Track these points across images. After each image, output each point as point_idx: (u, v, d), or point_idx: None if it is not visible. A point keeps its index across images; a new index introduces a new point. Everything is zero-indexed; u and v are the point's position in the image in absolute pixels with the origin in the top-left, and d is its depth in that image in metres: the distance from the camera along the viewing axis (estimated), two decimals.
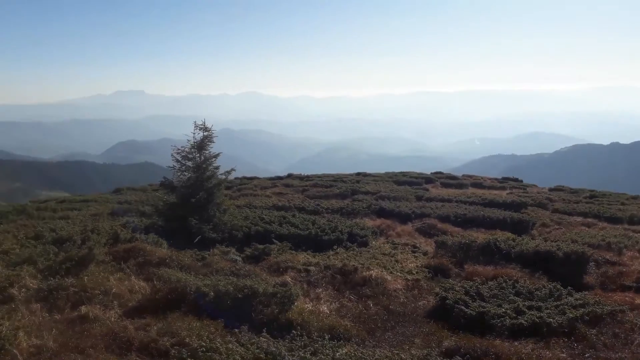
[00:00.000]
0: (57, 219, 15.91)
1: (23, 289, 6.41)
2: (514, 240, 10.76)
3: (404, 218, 16.13)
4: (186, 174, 12.37)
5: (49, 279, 6.70)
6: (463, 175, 35.60)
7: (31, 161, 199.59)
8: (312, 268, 8.83)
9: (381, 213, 16.93)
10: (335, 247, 11.14)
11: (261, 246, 10.27)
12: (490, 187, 29.02)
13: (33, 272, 6.97)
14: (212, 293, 5.92)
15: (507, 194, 24.23)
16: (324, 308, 6.80)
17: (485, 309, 6.47)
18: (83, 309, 5.77)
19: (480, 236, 11.95)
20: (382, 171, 38.27)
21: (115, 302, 6.15)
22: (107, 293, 6.34)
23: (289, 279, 8.01)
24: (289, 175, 35.27)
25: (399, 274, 9.09)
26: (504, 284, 7.70)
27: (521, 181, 34.30)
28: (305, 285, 7.91)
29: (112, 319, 5.64)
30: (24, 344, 4.83)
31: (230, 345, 4.63)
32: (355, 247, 11.23)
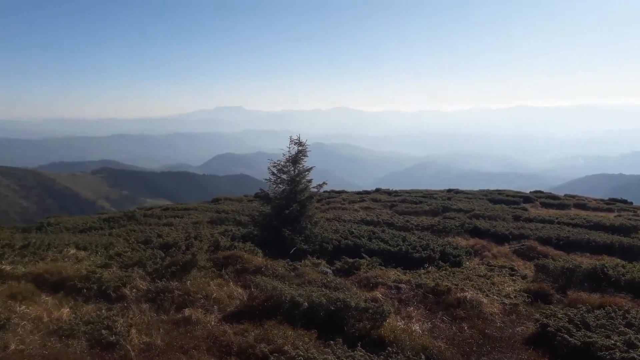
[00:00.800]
0: (162, 225, 17.12)
1: (134, 290, 6.96)
2: (624, 267, 9.83)
3: (500, 239, 15.40)
4: (281, 186, 12.78)
5: (157, 282, 7.21)
6: (565, 195, 33.23)
7: (138, 171, 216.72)
8: (403, 285, 8.70)
9: (475, 232, 16.29)
10: (426, 265, 10.88)
11: (351, 260, 10.30)
12: (595, 209, 26.84)
13: (142, 274, 7.55)
14: (306, 303, 6.04)
15: (614, 216, 22.25)
16: (416, 327, 6.65)
17: (591, 340, 5.96)
18: (187, 311, 6.14)
19: (585, 261, 11.08)
20: (475, 188, 36.92)
21: (215, 306, 6.47)
22: (208, 297, 6.69)
23: (379, 295, 7.95)
24: (377, 190, 35.14)
25: (495, 297, 8.67)
26: (612, 314, 7.05)
27: (630, 203, 31.32)
28: (396, 303, 7.81)
29: (213, 322, 5.95)
30: (136, 341, 5.24)
31: (327, 357, 4.69)
32: (447, 267, 10.89)
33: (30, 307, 6.04)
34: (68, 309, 6.12)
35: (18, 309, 5.92)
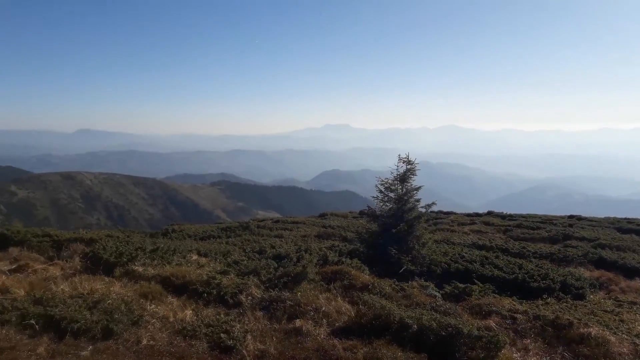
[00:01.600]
0: (273, 237, 17.90)
1: (249, 297, 7.34)
2: None
3: (630, 272, 13.91)
4: (388, 204, 12.74)
5: (270, 291, 7.54)
6: None
7: (252, 184, 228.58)
8: (518, 316, 8.17)
9: (600, 264, 14.88)
10: (544, 296, 10.13)
11: (462, 285, 9.91)
12: None
13: (257, 283, 7.94)
14: (416, 326, 5.93)
15: None
16: None
17: None
18: (297, 322, 6.35)
19: None
20: (600, 215, 33.70)
21: (324, 320, 6.61)
22: (318, 310, 6.85)
23: (492, 324, 7.55)
24: (489, 213, 33.50)
25: (625, 335, 7.80)
26: None
27: None
28: (511, 334, 7.36)
29: (322, 335, 6.08)
30: (251, 347, 5.51)
31: None
32: (569, 299, 10.05)
33: (158, 307, 6.63)
34: (191, 311, 6.63)
35: (148, 307, 6.54)
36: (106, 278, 7.82)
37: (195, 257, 10.43)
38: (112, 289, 6.99)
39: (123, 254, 9.07)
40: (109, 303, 6.11)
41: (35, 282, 7.26)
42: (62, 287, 6.86)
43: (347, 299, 7.84)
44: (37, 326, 5.37)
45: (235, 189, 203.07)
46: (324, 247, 13.14)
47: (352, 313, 7.03)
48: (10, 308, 5.65)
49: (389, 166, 12.94)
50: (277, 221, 26.35)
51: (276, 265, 8.85)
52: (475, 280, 10.51)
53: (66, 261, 9.87)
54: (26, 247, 11.35)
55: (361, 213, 29.32)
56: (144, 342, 5.45)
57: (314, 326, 6.34)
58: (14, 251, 10.77)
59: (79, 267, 9.20)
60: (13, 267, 9.11)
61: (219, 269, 8.82)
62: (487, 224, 26.18)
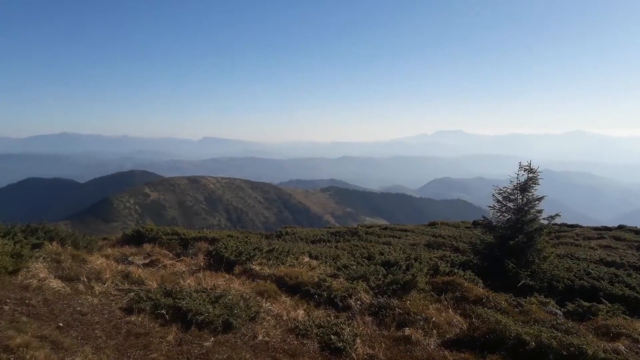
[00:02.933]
0: (381, 244, 17.87)
1: (358, 302, 7.43)
2: None
3: None
4: (506, 215, 12.10)
5: (378, 297, 7.57)
6: None
7: (361, 191, 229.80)
8: None
9: None
10: None
11: (586, 304, 9.10)
12: None
13: (366, 288, 8.01)
14: (533, 343, 5.59)
15: None
16: None
17: None
18: (407, 330, 6.30)
19: None
20: None
21: (434, 330, 6.48)
22: (427, 320, 6.73)
23: (622, 348, 6.83)
24: (620, 227, 30.22)
25: None
26: None
27: None
28: None
29: (432, 346, 5.97)
30: (360, 351, 5.59)
31: None
32: None
33: (273, 305, 6.98)
34: (303, 311, 6.88)
35: (264, 305, 6.90)
36: (227, 275, 8.40)
37: (307, 259, 10.79)
38: (232, 285, 7.50)
39: (242, 253, 9.68)
40: (229, 299, 6.56)
41: (165, 276, 8.02)
42: (188, 281, 7.51)
43: (458, 311, 7.60)
44: (167, 316, 5.93)
45: (344, 195, 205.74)
46: (435, 256, 12.86)
47: (464, 326, 6.81)
48: (145, 298, 6.31)
49: (507, 174, 12.30)
50: (385, 228, 26.24)
51: (385, 272, 8.85)
52: (603, 300, 9.60)
53: (191, 258, 10.75)
54: (157, 243, 12.53)
55: (475, 223, 28.15)
56: (260, 337, 5.78)
57: (424, 336, 6.24)
58: (147, 247, 11.94)
59: (202, 263, 9.98)
60: (146, 261, 10.15)
61: (329, 272, 9.04)
62: (617, 239, 23.68)
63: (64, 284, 6.60)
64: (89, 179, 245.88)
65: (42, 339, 4.82)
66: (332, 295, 7.52)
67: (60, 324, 5.29)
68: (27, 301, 5.79)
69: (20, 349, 4.50)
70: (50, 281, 6.62)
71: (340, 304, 7.37)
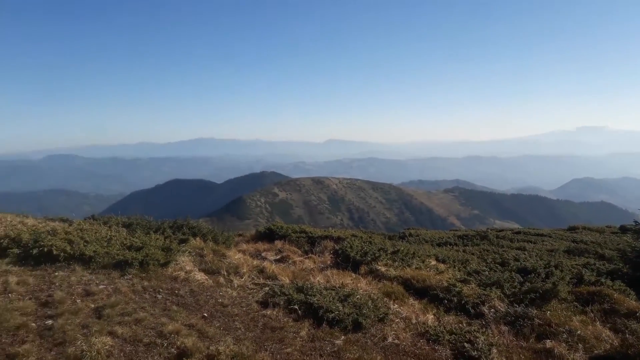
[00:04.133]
0: (514, 249, 16.75)
1: (492, 309, 7.02)
2: None
3: None
4: None
5: (514, 305, 7.08)
6: None
7: (488, 192, 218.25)
8: None
9: None
10: None
11: None
12: None
13: (500, 296, 7.54)
14: None
15: None
16: None
17: None
18: (548, 342, 5.81)
19: None
20: None
21: (580, 344, 5.90)
22: (571, 333, 6.14)
23: None
24: None
25: None
26: None
27: None
28: None
29: None
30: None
31: None
32: None
33: (401, 307, 6.88)
34: (432, 316, 6.69)
35: (392, 306, 6.84)
36: (353, 274, 8.49)
37: (433, 262, 10.50)
38: (359, 285, 7.56)
39: (367, 253, 9.72)
40: (357, 298, 6.61)
41: (296, 272, 8.35)
42: (317, 278, 7.73)
43: (607, 325, 6.84)
44: (299, 311, 6.16)
45: (471, 196, 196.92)
46: (577, 264, 11.72)
47: (615, 342, 6.09)
48: (279, 293, 6.62)
49: None
50: (518, 232, 24.56)
51: (521, 279, 8.25)
52: None
53: (318, 255, 11.07)
54: (287, 240, 13.10)
55: (623, 228, 25.19)
56: (389, 339, 5.73)
57: (568, 350, 5.70)
58: (278, 244, 12.53)
59: (329, 261, 10.22)
60: (277, 257, 10.66)
61: (458, 276, 8.69)
62: None
63: (206, 277, 7.19)
64: (224, 179, 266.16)
65: (190, 327, 5.30)
66: (462, 301, 7.20)
67: (205, 314, 5.76)
68: (177, 291, 6.41)
69: (172, 335, 5.01)
70: (195, 274, 7.26)
71: (472, 310, 7.03)
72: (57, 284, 6.13)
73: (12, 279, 6.20)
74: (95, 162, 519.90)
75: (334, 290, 6.88)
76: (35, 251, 6.98)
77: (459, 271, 9.40)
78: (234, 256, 8.93)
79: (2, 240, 7.48)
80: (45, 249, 6.98)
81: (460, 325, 6.28)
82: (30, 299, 5.67)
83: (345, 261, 9.51)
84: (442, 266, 10.10)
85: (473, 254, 13.81)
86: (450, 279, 8.34)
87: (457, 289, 7.56)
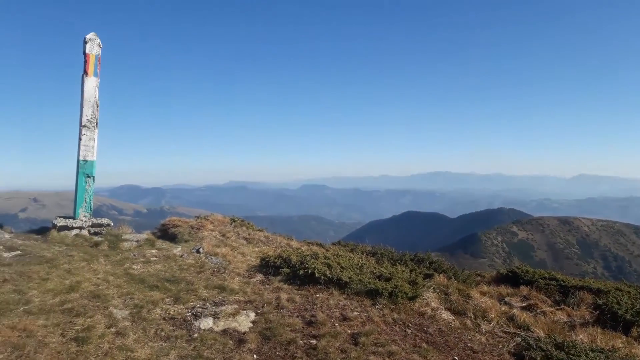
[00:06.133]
0: None
1: None
2: None
3: None
4: None
5: None
6: None
7: None
8: None
9: None
10: None
11: None
12: None
13: None
14: None
15: None
16: None
17: None
18: None
19: None
20: None
21: None
22: None
23: None
24: None
25: None
26: None
27: None
28: None
29: None
30: None
31: None
32: None
33: None
34: None
35: None
36: (623, 336, 7.26)
37: None
38: (633, 350, 6.40)
39: None
40: None
41: (549, 325, 7.54)
42: (580, 336, 6.83)
43: None
44: None
45: None
46: None
47: None
48: (534, 347, 6.01)
49: None
50: None
51: None
52: None
53: (572, 308, 9.83)
54: (534, 287, 12.00)
55: None
56: None
57: None
58: (523, 289, 11.58)
59: (587, 317, 8.98)
60: (523, 304, 9.84)
61: None
62: None
63: (453, 317, 7.08)
64: (458, 214, 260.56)
65: None
66: None
67: (455, 358, 5.65)
68: (425, 328, 6.47)
69: None
70: (441, 312, 7.23)
71: None
72: (318, 305, 6.86)
73: (283, 296, 7.21)
74: (340, 192, 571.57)
75: (602, 353, 5.93)
76: (301, 272, 7.99)
77: None
78: (480, 298, 8.60)
79: (276, 260, 8.80)
80: (309, 271, 7.93)
81: None
82: (297, 316, 6.46)
83: (612, 319, 8.21)
84: None
85: None
86: None
87: None
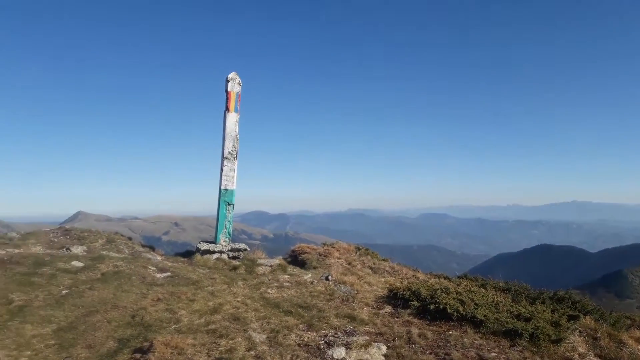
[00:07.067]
0: None
1: None
2: None
3: None
4: None
5: None
6: None
7: None
8: None
9: None
10: None
11: None
12: None
13: None
14: None
15: None
16: None
17: None
18: None
19: None
20: None
21: None
22: None
23: None
24: None
25: None
26: None
27: None
28: None
29: None
30: None
31: None
32: None
33: None
34: None
35: None
36: None
37: None
38: None
39: None
40: None
41: None
42: None
43: None
44: None
45: None
46: None
47: None
48: None
49: None
50: None
51: None
52: None
53: None
54: None
55: None
56: None
57: None
58: None
59: None
60: None
61: None
62: None
63: None
64: (599, 248, 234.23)
65: None
66: None
67: None
68: None
69: None
70: (590, 358, 6.52)
71: None
72: (452, 343, 6.55)
73: (414, 330, 7.02)
74: (463, 221, 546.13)
75: None
76: (432, 307, 7.74)
77: None
78: (635, 345, 7.59)
79: (405, 292, 8.64)
80: (440, 306, 7.65)
81: None
82: (430, 353, 6.23)
83: None
84: None
85: None
86: None
87: None
